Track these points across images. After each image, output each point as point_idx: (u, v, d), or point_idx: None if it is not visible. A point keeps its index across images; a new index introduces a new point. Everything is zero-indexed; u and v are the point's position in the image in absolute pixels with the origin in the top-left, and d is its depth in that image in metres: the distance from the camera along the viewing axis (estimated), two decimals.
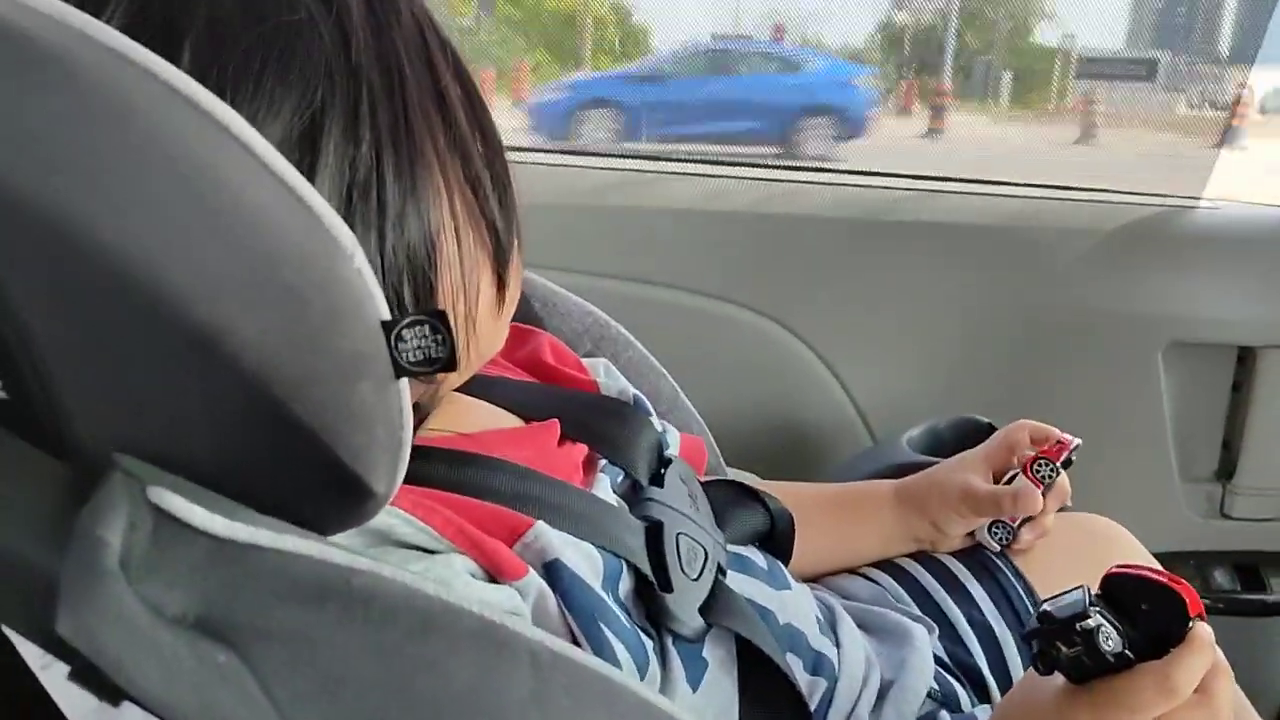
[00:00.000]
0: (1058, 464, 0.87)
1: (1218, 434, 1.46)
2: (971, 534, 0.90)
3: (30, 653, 0.45)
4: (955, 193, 1.51)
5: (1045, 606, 0.58)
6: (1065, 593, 0.59)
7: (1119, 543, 0.92)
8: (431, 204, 0.50)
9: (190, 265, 0.36)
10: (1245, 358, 1.42)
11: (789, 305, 1.40)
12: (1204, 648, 0.56)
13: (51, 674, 0.44)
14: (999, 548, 0.89)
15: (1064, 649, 0.57)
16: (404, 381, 0.42)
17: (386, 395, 0.41)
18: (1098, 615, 0.56)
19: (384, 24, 0.49)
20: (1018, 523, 0.88)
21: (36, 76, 0.34)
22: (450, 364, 0.41)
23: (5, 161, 0.34)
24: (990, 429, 1.15)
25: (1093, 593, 0.58)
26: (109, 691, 0.34)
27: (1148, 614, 0.57)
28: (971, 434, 1.17)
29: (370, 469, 0.42)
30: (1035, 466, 0.87)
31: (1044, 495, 0.86)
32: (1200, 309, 1.39)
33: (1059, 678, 0.59)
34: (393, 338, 0.40)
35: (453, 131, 0.52)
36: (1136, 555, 0.91)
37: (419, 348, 0.41)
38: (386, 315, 0.40)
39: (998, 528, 0.88)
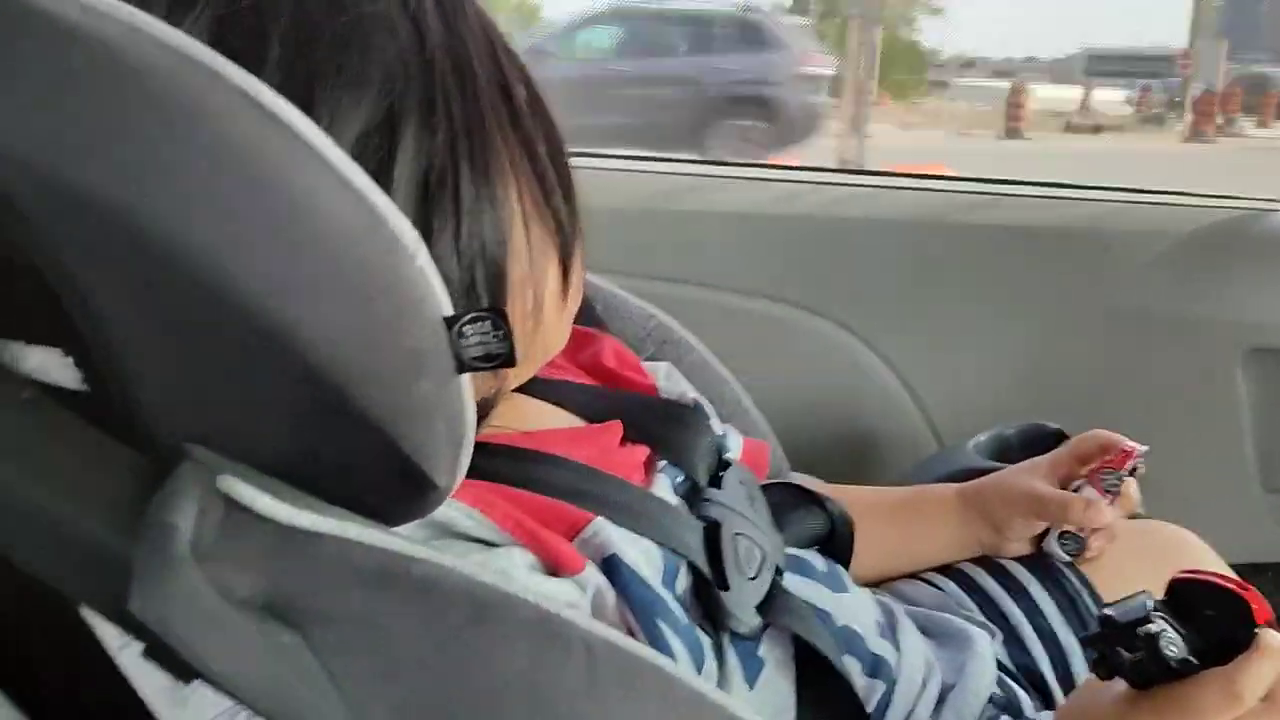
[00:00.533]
0: (1123, 472, 0.85)
1: None
2: (1041, 544, 0.89)
3: (108, 633, 0.47)
4: (1025, 195, 1.49)
5: (1107, 611, 0.57)
6: (1128, 598, 0.58)
7: (1188, 550, 0.90)
8: (503, 194, 0.51)
9: (256, 264, 0.37)
10: None
11: (854, 309, 1.39)
12: (1272, 654, 0.55)
13: (129, 653, 0.45)
14: (1069, 558, 0.87)
15: (1126, 654, 0.56)
16: (466, 377, 0.42)
17: (448, 391, 0.42)
18: (1160, 620, 0.55)
19: (452, 20, 0.50)
20: (1087, 532, 0.87)
21: (109, 80, 0.36)
22: (510, 360, 0.42)
23: (79, 161, 0.35)
24: (1059, 435, 1.13)
25: (1156, 599, 0.57)
26: (180, 669, 0.36)
27: (1212, 620, 0.56)
28: (1040, 440, 1.15)
29: (432, 463, 0.43)
30: (1101, 476, 0.86)
31: (1110, 504, 0.85)
32: None
33: (1120, 683, 0.58)
34: (454, 334, 0.41)
35: (519, 125, 0.53)
36: (1206, 563, 0.89)
37: (480, 343, 0.42)
38: (449, 312, 0.41)
39: (1068, 538, 0.87)
